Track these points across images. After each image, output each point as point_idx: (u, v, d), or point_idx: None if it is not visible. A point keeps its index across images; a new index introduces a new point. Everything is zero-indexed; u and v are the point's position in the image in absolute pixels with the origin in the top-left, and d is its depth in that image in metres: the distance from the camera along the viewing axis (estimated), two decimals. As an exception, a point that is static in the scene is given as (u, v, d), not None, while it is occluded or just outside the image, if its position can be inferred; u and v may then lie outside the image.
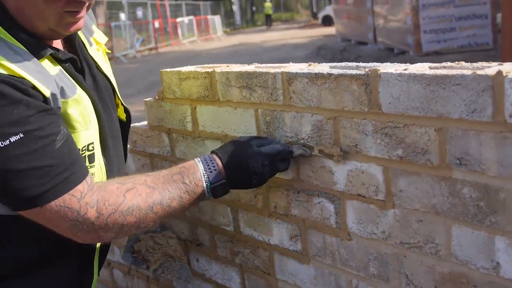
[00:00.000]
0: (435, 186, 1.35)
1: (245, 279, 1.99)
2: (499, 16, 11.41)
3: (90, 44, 1.70)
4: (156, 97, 2.14)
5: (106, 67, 1.75)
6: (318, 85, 1.55)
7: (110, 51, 1.92)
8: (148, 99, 2.19)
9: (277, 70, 1.67)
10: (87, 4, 1.43)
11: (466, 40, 11.96)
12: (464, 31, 11.93)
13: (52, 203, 1.35)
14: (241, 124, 1.82)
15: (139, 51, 25.98)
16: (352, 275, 1.62)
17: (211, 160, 1.58)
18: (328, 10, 34.45)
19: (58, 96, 1.40)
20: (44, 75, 1.38)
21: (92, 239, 1.46)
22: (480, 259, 1.31)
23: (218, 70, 1.85)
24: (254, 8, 58.06)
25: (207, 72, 1.88)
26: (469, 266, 1.33)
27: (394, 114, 1.39)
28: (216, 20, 37.40)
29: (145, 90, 13.62)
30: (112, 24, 24.47)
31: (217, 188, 1.57)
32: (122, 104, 1.81)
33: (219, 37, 35.44)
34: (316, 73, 1.55)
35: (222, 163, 1.58)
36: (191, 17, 34.15)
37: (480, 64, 1.31)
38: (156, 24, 28.67)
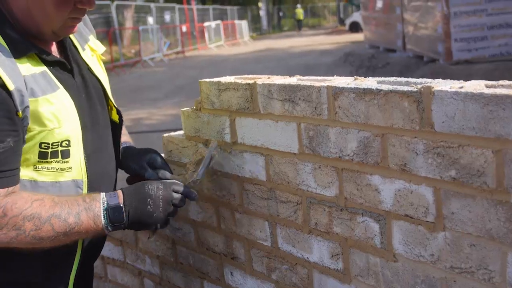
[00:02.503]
0: (490, 210, 1.29)
1: (282, 296, 1.94)
2: (532, 25, 11.24)
3: (83, 49, 1.83)
4: (194, 107, 2.10)
5: (99, 70, 1.87)
6: (366, 101, 1.50)
7: (104, 57, 2.01)
8: (185, 109, 2.15)
9: (322, 84, 1.63)
10: (86, 11, 1.63)
11: (498, 50, 11.76)
12: (496, 40, 11.73)
13: None
14: (283, 137, 1.77)
15: (166, 54, 26.12)
16: (397, 298, 1.56)
17: (114, 192, 1.71)
18: (356, 17, 34.28)
19: (25, 93, 1.50)
20: (14, 71, 1.50)
21: None
22: (538, 288, 1.24)
23: (259, 82, 1.81)
24: (281, 13, 58.07)
25: (248, 84, 1.83)
26: (526, 295, 1.27)
27: (448, 134, 1.33)
28: (243, 25, 37.48)
29: (172, 94, 13.66)
30: (140, 27, 24.64)
31: (112, 210, 1.64)
32: (114, 106, 1.90)
33: (245, 42, 35.49)
34: (364, 89, 1.50)
35: (122, 191, 1.71)
36: (218, 21, 34.28)
37: (542, 83, 1.24)
38: (184, 28, 28.81)
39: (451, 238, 1.39)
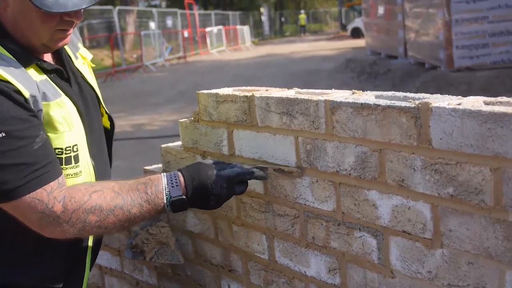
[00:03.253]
0: (488, 228, 1.28)
1: (279, 310, 1.92)
2: (534, 32, 11.24)
3: (76, 58, 1.86)
4: (191, 118, 2.09)
5: (91, 79, 1.89)
6: (364, 116, 1.49)
7: (94, 65, 2.03)
8: (183, 120, 2.14)
9: (320, 97, 1.62)
10: (76, 23, 1.62)
11: (499, 57, 11.74)
12: (497, 47, 11.71)
13: (26, 196, 1.49)
14: (280, 151, 1.76)
15: (168, 59, 26.12)
16: (394, 314, 1.55)
17: (175, 176, 1.69)
18: (357, 22, 34.28)
19: (39, 98, 1.53)
20: (27, 79, 1.53)
21: (57, 233, 1.56)
22: (537, 308, 1.23)
23: (257, 94, 1.80)
24: (283, 19, 58.14)
25: (246, 96, 1.83)
26: (524, 315, 1.25)
27: (446, 151, 1.32)
28: (245, 30, 37.48)
29: (174, 100, 13.65)
30: (142, 32, 24.66)
31: (176, 203, 1.66)
32: (106, 113, 1.93)
33: (247, 47, 35.51)
34: (362, 103, 1.49)
35: (184, 181, 1.68)
36: (220, 27, 34.28)
37: (541, 101, 1.23)
38: (185, 33, 28.81)
39: (449, 255, 1.38)
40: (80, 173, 1.67)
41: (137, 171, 2.41)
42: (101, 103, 1.90)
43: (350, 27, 37.50)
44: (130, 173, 2.16)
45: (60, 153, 1.60)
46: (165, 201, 1.65)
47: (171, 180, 1.68)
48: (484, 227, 1.29)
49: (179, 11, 30.69)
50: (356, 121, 1.52)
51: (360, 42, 25.78)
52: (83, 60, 1.90)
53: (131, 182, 1.67)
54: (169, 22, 30.21)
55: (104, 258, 2.69)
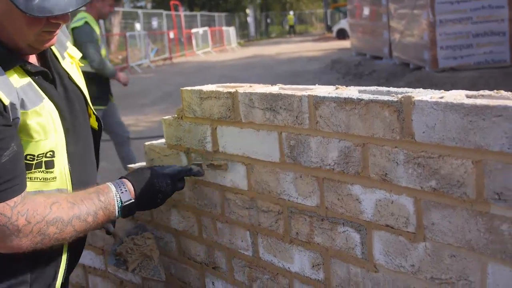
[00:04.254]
0: (470, 221, 1.28)
1: (263, 306, 1.92)
2: (517, 33, 11.33)
3: (63, 58, 1.82)
4: (175, 115, 2.08)
5: (79, 79, 1.86)
6: (347, 110, 1.49)
7: (82, 64, 2.00)
8: (166, 117, 2.13)
9: (303, 93, 1.61)
10: (62, 24, 1.59)
11: (483, 57, 11.84)
12: (481, 48, 11.81)
13: None
14: (264, 147, 1.76)
15: (154, 61, 26.03)
16: (378, 308, 1.55)
17: (122, 183, 1.78)
18: (343, 24, 34.37)
19: (18, 106, 1.50)
20: (7, 85, 1.49)
21: (12, 247, 1.54)
22: (518, 300, 1.23)
23: (241, 90, 1.79)
24: (268, 20, 58.19)
25: (230, 92, 1.82)
26: (506, 307, 1.26)
27: (428, 144, 1.32)
28: (231, 31, 37.46)
29: (159, 101, 13.61)
30: (127, 34, 24.53)
31: (126, 208, 1.75)
32: (94, 114, 1.91)
33: (233, 48, 35.49)
34: (345, 98, 1.49)
35: (132, 185, 1.78)
36: (206, 28, 34.24)
37: (522, 94, 1.24)
38: (171, 35, 28.73)
39: (432, 248, 1.38)
40: (54, 179, 1.65)
41: (123, 172, 2.39)
42: (88, 104, 1.87)
43: (335, 28, 37.59)
44: (116, 174, 2.15)
45: (31, 159, 1.58)
46: (117, 207, 1.73)
47: (120, 187, 1.76)
48: (466, 220, 1.29)
49: (164, 12, 30.60)
50: (339, 116, 1.51)
51: (345, 43, 25.87)
52: (71, 59, 1.87)
53: (81, 192, 1.69)
54: (155, 23, 30.09)
55: (88, 257, 2.67)
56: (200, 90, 1.93)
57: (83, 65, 1.99)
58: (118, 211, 1.73)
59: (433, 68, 11.98)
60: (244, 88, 1.84)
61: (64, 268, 1.79)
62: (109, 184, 1.76)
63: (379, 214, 1.49)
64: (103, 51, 6.05)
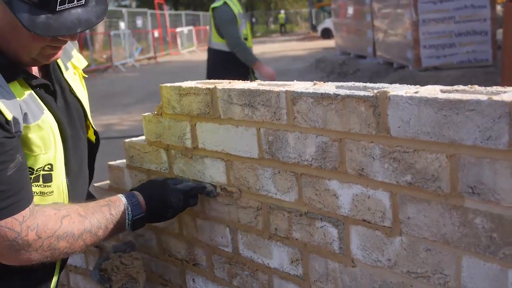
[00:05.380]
0: (445, 214, 1.30)
1: (243, 303, 1.92)
2: (499, 32, 11.41)
3: (66, 68, 1.77)
4: (155, 112, 2.08)
5: (81, 91, 1.82)
6: (324, 106, 1.49)
7: (87, 75, 1.95)
8: (146, 114, 2.13)
9: (281, 88, 1.62)
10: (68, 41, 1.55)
11: (466, 56, 11.91)
12: (463, 47, 11.88)
13: None
14: (243, 142, 1.76)
15: (138, 60, 25.92)
16: (356, 303, 1.56)
17: (133, 196, 1.76)
18: (327, 23, 34.46)
19: (21, 121, 1.47)
20: (10, 98, 1.46)
21: (21, 261, 1.52)
22: (492, 292, 1.24)
23: (219, 86, 1.79)
24: (253, 20, 58.22)
25: (208, 89, 1.82)
26: (480, 299, 1.27)
27: (404, 139, 1.33)
28: (216, 30, 37.35)
29: (144, 100, 13.55)
30: (112, 32, 24.40)
31: (136, 222, 1.74)
32: (92, 127, 1.89)
33: (218, 47, 35.37)
34: (322, 93, 1.49)
35: (143, 198, 1.77)
36: (191, 27, 34.16)
37: (495, 88, 1.25)
38: (156, 34, 28.64)
39: (408, 242, 1.39)
40: (51, 193, 1.62)
41: (106, 171, 2.38)
42: (87, 117, 1.84)
43: (320, 28, 37.69)
44: (99, 173, 2.12)
45: (30, 172, 1.55)
46: (127, 221, 1.72)
47: (131, 200, 1.74)
48: (441, 214, 1.30)
49: (149, 11, 30.49)
50: (316, 111, 1.52)
51: (330, 43, 25.91)
52: (74, 70, 1.82)
53: (92, 204, 1.68)
54: (139, 22, 29.96)
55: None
56: (179, 87, 1.92)
57: (87, 76, 1.94)
58: (128, 225, 1.72)
59: (416, 67, 12.04)
60: (223, 84, 1.84)
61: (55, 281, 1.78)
62: (121, 196, 1.75)
63: (356, 209, 1.49)
64: (244, 31, 6.06)
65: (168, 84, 1.99)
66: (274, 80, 6.50)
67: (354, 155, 1.46)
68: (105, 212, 1.67)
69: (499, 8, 14.11)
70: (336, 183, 1.52)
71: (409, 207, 1.37)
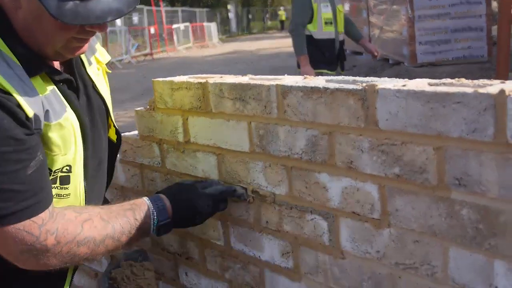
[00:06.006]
0: (432, 206, 1.31)
1: (235, 296, 1.94)
2: (494, 29, 11.43)
3: (90, 64, 1.70)
4: (148, 107, 2.09)
5: (104, 88, 1.75)
6: (314, 99, 1.51)
7: (110, 71, 1.90)
8: (139, 108, 2.14)
9: (272, 82, 1.63)
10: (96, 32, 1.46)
11: (461, 52, 11.95)
12: (459, 43, 11.91)
13: (11, 226, 1.35)
14: (234, 136, 1.77)
15: (134, 56, 25.87)
16: (345, 295, 1.57)
17: (159, 200, 1.67)
18: (324, 20, 34.45)
19: (42, 118, 1.40)
20: (32, 94, 1.38)
21: (39, 265, 1.44)
22: (478, 283, 1.26)
23: (211, 81, 1.80)
24: (250, 16, 58.20)
25: (200, 83, 1.83)
26: (467, 290, 1.29)
27: (392, 131, 1.35)
28: (212, 27, 37.35)
29: (140, 96, 13.54)
30: (108, 29, 24.31)
31: (162, 227, 1.65)
32: (114, 126, 1.83)
33: (214, 44, 35.40)
34: (311, 87, 1.50)
35: (170, 203, 1.67)
36: (187, 24, 34.11)
37: (481, 81, 1.27)
38: (152, 30, 28.58)
39: (396, 234, 1.41)
40: (67, 196, 1.54)
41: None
42: (110, 115, 1.78)
43: (317, 24, 37.64)
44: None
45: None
46: (152, 226, 1.63)
47: (157, 204, 1.65)
48: (428, 206, 1.32)
49: (145, 8, 30.42)
50: (306, 105, 1.53)
51: (326, 39, 25.85)
52: (97, 64, 1.75)
53: (115, 207, 1.60)
54: (135, 18, 29.90)
55: (77, 279, 2.66)
56: (171, 81, 1.93)
57: (110, 71, 1.88)
58: (153, 230, 1.64)
59: (412, 63, 12.07)
60: (215, 78, 1.85)
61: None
62: (146, 199, 1.66)
63: (345, 201, 1.51)
64: (326, 15, 6.00)
65: (160, 79, 2.00)
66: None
67: (343, 148, 1.47)
68: (129, 217, 1.58)
69: (494, 4, 14.13)
70: (326, 176, 1.54)
71: (397, 199, 1.38)
